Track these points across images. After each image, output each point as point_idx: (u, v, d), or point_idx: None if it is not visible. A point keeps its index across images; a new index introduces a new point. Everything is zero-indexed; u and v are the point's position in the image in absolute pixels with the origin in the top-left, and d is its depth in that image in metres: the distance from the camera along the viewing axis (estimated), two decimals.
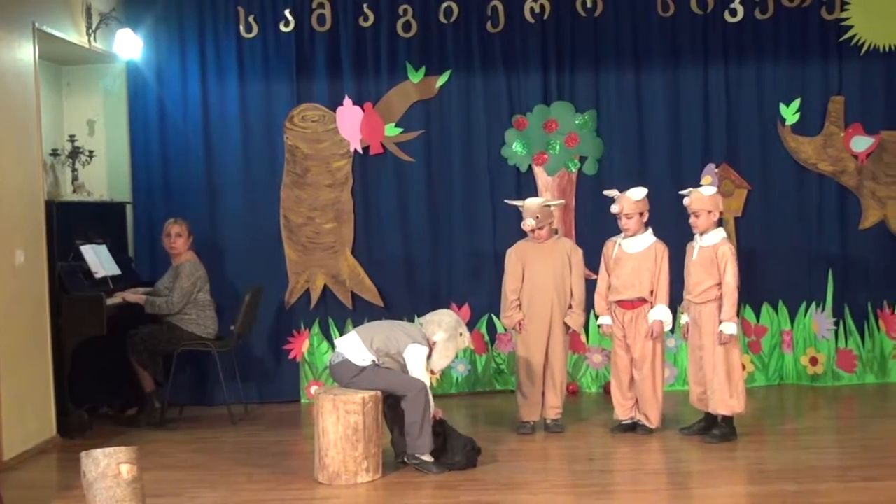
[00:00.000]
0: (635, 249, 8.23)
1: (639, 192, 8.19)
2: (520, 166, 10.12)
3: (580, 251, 8.56)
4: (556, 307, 8.43)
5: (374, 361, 7.40)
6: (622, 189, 8.32)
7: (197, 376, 9.98)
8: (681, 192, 8.20)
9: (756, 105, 10.09)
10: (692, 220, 8.04)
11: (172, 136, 10.04)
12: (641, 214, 8.19)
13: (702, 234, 8.05)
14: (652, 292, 8.20)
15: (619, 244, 8.28)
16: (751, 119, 10.09)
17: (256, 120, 10.09)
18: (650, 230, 8.25)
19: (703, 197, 7.99)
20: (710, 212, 7.98)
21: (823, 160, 10.04)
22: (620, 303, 8.27)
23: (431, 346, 7.53)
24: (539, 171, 10.11)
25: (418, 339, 7.49)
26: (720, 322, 7.91)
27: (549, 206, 8.44)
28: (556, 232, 8.60)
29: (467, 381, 10.19)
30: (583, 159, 10.13)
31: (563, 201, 9.01)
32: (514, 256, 8.50)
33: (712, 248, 7.98)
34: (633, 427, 8.39)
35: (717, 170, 10.01)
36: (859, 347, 10.12)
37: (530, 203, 8.41)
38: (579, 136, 10.09)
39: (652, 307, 8.21)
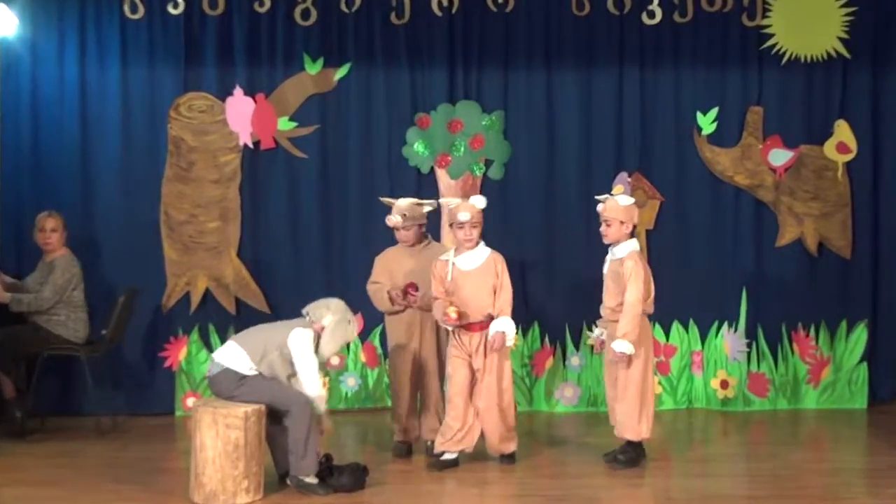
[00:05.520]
0: (471, 266, 8.02)
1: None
2: (421, 168, 10.05)
3: None
4: (425, 318, 8.28)
5: (257, 371, 7.32)
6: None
7: (63, 384, 9.74)
8: (597, 198, 8.16)
9: (672, 112, 10.13)
10: (602, 228, 8.00)
11: (46, 121, 9.87)
12: (623, 223, 7.99)
13: (612, 245, 8.02)
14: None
15: (453, 263, 8.04)
16: (666, 127, 10.13)
17: (139, 107, 9.95)
18: (482, 243, 8.08)
19: (618, 206, 7.94)
20: (622, 222, 7.92)
21: (740, 173, 10.09)
22: (468, 326, 8.00)
23: (319, 332, 7.46)
24: (441, 174, 10.05)
25: (300, 325, 7.44)
26: (614, 337, 7.87)
27: (420, 205, 8.32)
28: (426, 236, 8.45)
29: (357, 396, 10.09)
30: (488, 163, 10.07)
31: (434, 202, 8.65)
32: (381, 264, 8.41)
33: (620, 261, 7.93)
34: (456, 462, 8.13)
35: (629, 179, 9.98)
36: (772, 371, 10.15)
37: (401, 201, 8.33)
38: (485, 138, 10.03)
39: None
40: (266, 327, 7.67)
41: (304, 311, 7.60)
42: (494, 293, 7.95)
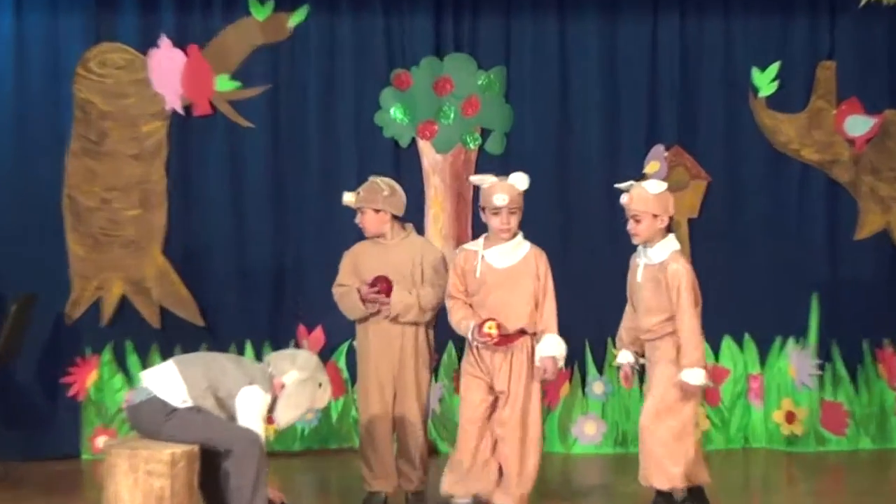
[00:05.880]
0: (505, 263, 7.45)
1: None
2: (399, 139, 9.53)
3: (437, 252, 7.93)
4: (406, 337, 7.65)
5: (192, 404, 6.67)
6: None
7: None
8: (617, 186, 7.44)
9: (721, 69, 9.66)
10: (631, 225, 7.27)
11: None
12: (656, 217, 7.29)
13: (645, 245, 7.29)
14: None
15: (482, 255, 7.47)
16: (713, 88, 9.66)
17: (37, 63, 9.39)
18: (521, 235, 7.56)
19: (647, 196, 7.19)
20: (655, 216, 7.18)
21: (808, 145, 9.60)
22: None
23: (278, 391, 6.81)
24: (425, 147, 9.54)
25: (258, 381, 6.71)
26: (681, 367, 7.12)
27: (377, 184, 7.79)
28: (403, 227, 7.89)
29: (317, 433, 9.50)
30: (486, 133, 9.59)
31: (391, 185, 7.94)
32: (348, 262, 7.87)
33: (660, 265, 7.21)
34: None
35: (666, 154, 9.55)
36: (851, 400, 9.62)
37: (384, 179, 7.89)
38: (481, 102, 9.55)
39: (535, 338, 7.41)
40: (220, 360, 6.96)
41: (265, 360, 7.05)
42: (534, 302, 7.36)
